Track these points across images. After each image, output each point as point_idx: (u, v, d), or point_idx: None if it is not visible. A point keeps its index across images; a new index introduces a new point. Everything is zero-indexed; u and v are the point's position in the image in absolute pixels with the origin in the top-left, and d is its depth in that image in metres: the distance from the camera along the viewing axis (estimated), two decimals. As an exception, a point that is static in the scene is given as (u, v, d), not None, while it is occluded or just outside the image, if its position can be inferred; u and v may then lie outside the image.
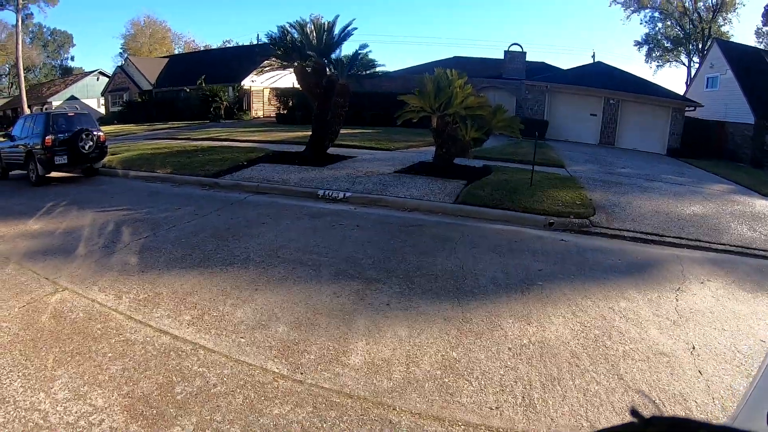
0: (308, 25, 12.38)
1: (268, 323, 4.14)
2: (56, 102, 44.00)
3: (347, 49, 29.03)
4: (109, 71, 49.77)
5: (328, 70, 12.51)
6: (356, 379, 3.37)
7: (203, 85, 32.81)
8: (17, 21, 40.64)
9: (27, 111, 41.77)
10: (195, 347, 3.89)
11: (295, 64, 12.25)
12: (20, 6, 40.30)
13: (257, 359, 3.63)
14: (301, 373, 3.45)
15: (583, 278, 5.30)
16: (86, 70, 57.38)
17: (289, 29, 12.34)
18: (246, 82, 33.61)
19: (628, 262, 6.01)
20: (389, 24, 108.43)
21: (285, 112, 28.91)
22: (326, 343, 3.83)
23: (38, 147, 11.42)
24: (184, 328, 4.17)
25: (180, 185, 11.12)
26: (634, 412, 0.97)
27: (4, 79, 67.44)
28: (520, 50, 26.63)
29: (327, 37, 12.19)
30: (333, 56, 12.63)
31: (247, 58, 34.68)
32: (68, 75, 61.84)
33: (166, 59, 46.13)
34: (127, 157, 14.26)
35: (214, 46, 62.84)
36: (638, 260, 6.20)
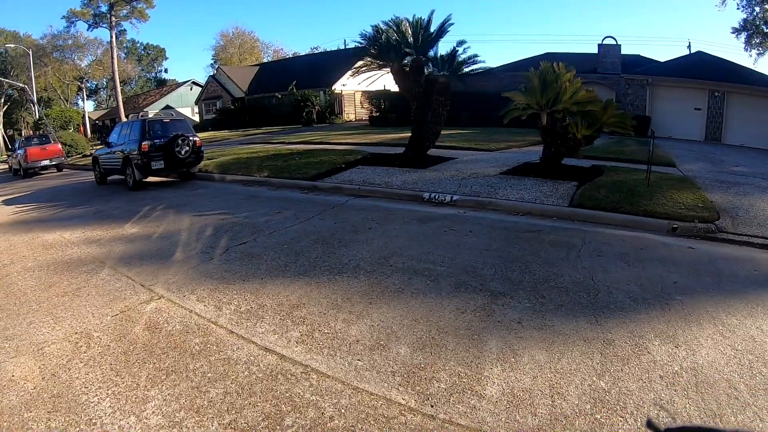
0: (404, 23, 12.43)
1: (387, 343, 3.96)
2: (152, 112, 47.95)
3: (443, 47, 29.89)
4: (202, 81, 55.24)
5: (425, 68, 12.68)
6: (496, 415, 3.11)
7: (294, 90, 35.65)
8: (111, 37, 47.05)
9: (124, 120, 46.63)
10: (306, 370, 3.67)
11: (392, 63, 12.36)
12: (113, 23, 46.15)
13: (379, 387, 3.42)
14: (432, 406, 3.21)
15: (722, 292, 5.01)
16: (179, 81, 64.34)
17: (383, 28, 12.64)
18: (337, 86, 36.27)
19: (764, 273, 5.65)
20: (474, 22, 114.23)
21: (378, 114, 30.30)
22: (456, 369, 3.60)
23: (135, 153, 12.52)
24: (292, 346, 4.01)
25: (278, 189, 11.40)
26: (649, 424, 1.19)
27: (102, 92, 77.37)
28: (615, 43, 26.78)
29: (423, 35, 12.27)
30: (430, 54, 12.72)
31: (337, 62, 37.65)
32: (162, 86, 69.77)
33: (257, 67, 50.38)
34: (223, 162, 14.94)
35: (302, 53, 67.82)
36: (774, 270, 5.72)
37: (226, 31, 72.46)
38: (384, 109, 29.61)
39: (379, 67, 12.99)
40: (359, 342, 3.97)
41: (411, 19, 12.43)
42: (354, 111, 37.52)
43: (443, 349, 3.82)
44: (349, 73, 36.48)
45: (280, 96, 37.48)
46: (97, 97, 78.28)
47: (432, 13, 12.13)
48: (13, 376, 3.89)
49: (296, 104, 34.25)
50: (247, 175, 12.88)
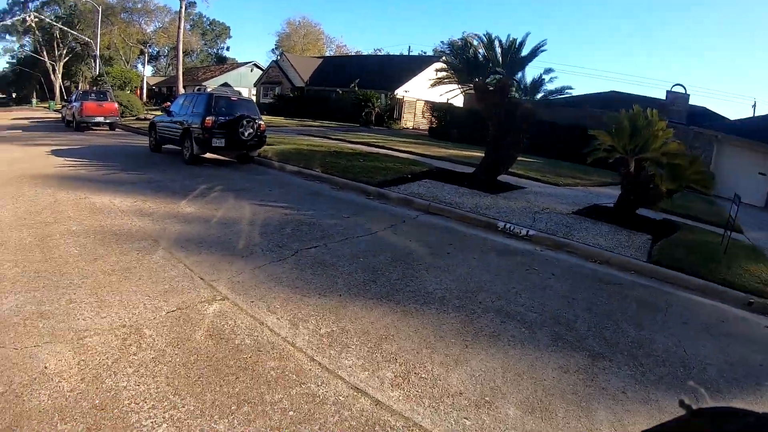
0: (496, 40, 12.17)
1: (493, 400, 3.61)
2: (210, 86, 49.19)
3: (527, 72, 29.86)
4: (263, 64, 56.34)
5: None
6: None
7: (356, 89, 36.20)
8: (181, 8, 47.92)
9: (182, 90, 48.10)
10: (408, 424, 3.17)
11: (477, 79, 12.07)
12: None
13: (495, 456, 3.01)
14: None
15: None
16: (239, 61, 66.00)
17: (472, 41, 12.47)
18: (399, 91, 36.80)
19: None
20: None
21: (438, 126, 30.08)
22: (571, 441, 3.28)
23: (197, 126, 12.34)
24: (387, 390, 3.51)
25: (341, 189, 10.98)
26: (681, 403, 1.11)
27: (162, 60, 79.94)
28: (684, 92, 26.39)
29: (514, 56, 11.92)
30: (516, 77, 12.44)
31: (402, 67, 38.73)
32: (222, 63, 71.93)
33: (320, 59, 51.31)
34: (284, 150, 14.56)
35: (365, 53, 69.12)
36: None
37: (293, 19, 75.01)
38: (445, 123, 29.53)
39: (462, 81, 12.67)
40: (462, 395, 3.58)
41: (504, 38, 12.13)
42: (413, 119, 37.70)
43: (553, 415, 3.53)
44: (414, 79, 37.09)
45: (341, 92, 37.88)
46: (156, 63, 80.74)
47: (527, 36, 11.81)
48: (46, 367, 3.36)
49: (357, 103, 34.58)
50: (309, 169, 12.43)
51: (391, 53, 62.28)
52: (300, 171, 12.43)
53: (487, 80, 12.22)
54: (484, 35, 12.02)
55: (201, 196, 8.75)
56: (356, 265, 5.94)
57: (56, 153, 14.09)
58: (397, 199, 10.25)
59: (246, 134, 12.44)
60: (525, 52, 11.89)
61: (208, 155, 13.05)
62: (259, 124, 12.77)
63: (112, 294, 4.54)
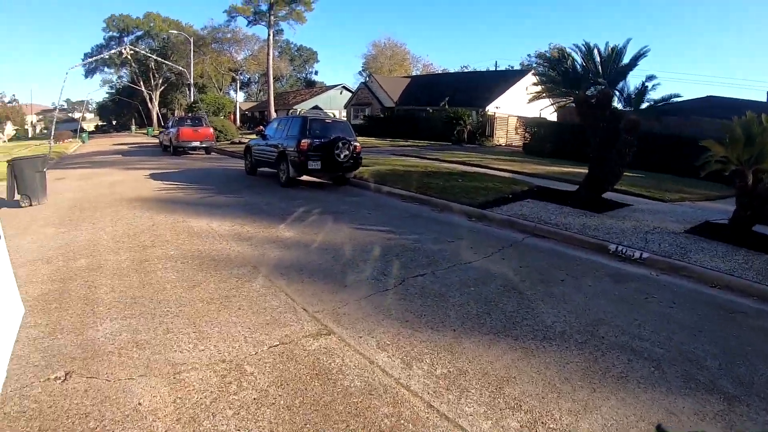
0: (594, 49, 11.42)
1: None
2: (300, 110, 50.94)
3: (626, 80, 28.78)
4: (351, 86, 58.05)
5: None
6: None
7: (446, 107, 36.10)
8: (269, 36, 51.19)
9: (274, 115, 50.48)
10: None
11: (577, 91, 11.40)
12: (272, 22, 49.89)
13: None
14: None
15: None
16: (327, 84, 68.16)
17: (569, 52, 11.65)
18: (490, 108, 36.37)
19: None
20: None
21: (532, 142, 29.20)
22: None
23: (292, 149, 12.50)
24: None
25: (441, 211, 10.58)
26: (659, 428, 1.49)
27: (253, 86, 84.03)
28: None
29: (614, 65, 11.21)
30: (618, 86, 11.59)
31: (490, 83, 38.40)
32: (312, 87, 74.44)
33: (408, 79, 51.82)
34: (379, 171, 14.37)
35: (451, 70, 68.79)
36: None
37: (378, 41, 76.04)
38: (539, 138, 28.62)
39: (560, 94, 12.03)
40: (599, 452, 3.18)
41: (603, 46, 11.43)
42: (505, 135, 36.93)
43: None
44: (505, 95, 36.67)
45: (431, 110, 37.89)
46: (248, 89, 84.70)
47: (627, 42, 11.12)
48: (140, 403, 3.19)
49: (448, 121, 34.34)
50: (406, 190, 12.13)
51: (478, 69, 61.96)
52: (397, 192, 12.17)
53: (587, 92, 11.66)
54: (582, 44, 11.44)
55: (299, 220, 8.65)
56: (468, 295, 5.47)
57: (154, 176, 14.63)
58: (500, 221, 9.75)
59: (342, 156, 12.41)
60: (626, 59, 11.30)
61: (303, 177, 13.15)
62: (355, 146, 12.73)
63: (211, 324, 4.33)
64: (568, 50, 11.78)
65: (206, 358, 3.76)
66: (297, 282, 5.49)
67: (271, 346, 3.97)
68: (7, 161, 11.07)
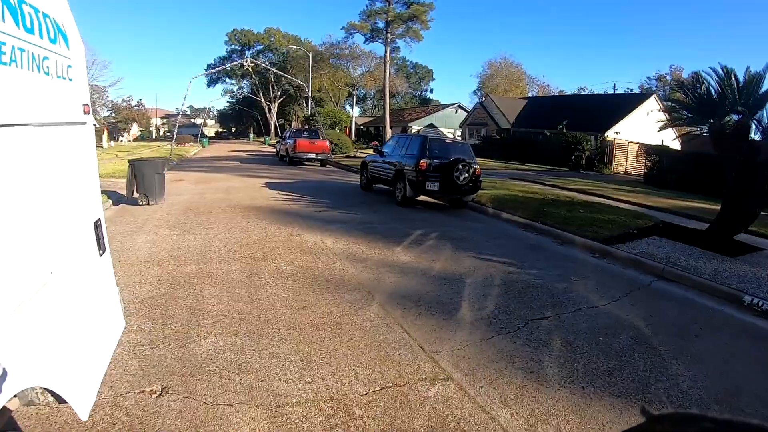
0: (732, 74, 10.24)
1: None
2: (416, 127, 51.31)
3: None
4: (467, 106, 58.36)
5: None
6: None
7: (564, 130, 34.78)
8: (386, 53, 51.82)
9: (389, 131, 51.05)
10: None
11: (712, 120, 10.44)
12: (389, 40, 50.37)
13: None
14: None
15: None
16: (442, 103, 68.46)
17: (704, 76, 10.65)
18: (609, 133, 34.72)
19: None
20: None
21: (654, 171, 27.21)
22: None
23: (411, 168, 12.39)
24: None
25: (563, 243, 9.96)
26: (643, 410, 1.13)
27: (369, 102, 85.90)
28: None
29: (752, 92, 10.10)
30: (756, 116, 10.41)
31: (610, 107, 36.77)
32: (426, 105, 75.36)
33: (525, 100, 50.56)
34: (498, 196, 13.84)
35: (567, 92, 67.87)
36: None
37: (494, 60, 74.94)
38: (662, 168, 26.67)
39: (693, 122, 11.01)
40: None
41: (743, 72, 10.30)
42: (624, 162, 34.77)
43: None
44: (625, 120, 34.81)
45: (548, 134, 36.68)
46: (363, 104, 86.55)
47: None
48: None
49: (565, 145, 33.20)
50: (525, 218, 11.55)
51: (595, 91, 60.18)
52: (516, 220, 11.64)
53: (725, 120, 10.71)
54: (719, 68, 10.40)
55: (416, 244, 8.37)
56: (596, 347, 4.90)
57: (270, 185, 14.96)
58: (625, 260, 8.98)
59: (461, 179, 12.12)
60: (765, 86, 10.11)
61: (419, 197, 12.99)
62: (475, 169, 12.41)
63: (320, 354, 4.09)
64: (702, 74, 10.86)
65: (312, 392, 3.51)
66: (413, 314, 5.16)
67: (383, 387, 3.64)
68: (129, 161, 11.68)
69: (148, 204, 11.47)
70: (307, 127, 30.31)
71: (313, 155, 24.24)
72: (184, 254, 7.03)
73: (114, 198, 12.56)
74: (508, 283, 6.59)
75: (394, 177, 13.08)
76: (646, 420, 1.15)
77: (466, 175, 12.15)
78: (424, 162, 11.97)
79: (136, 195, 11.56)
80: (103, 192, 13.68)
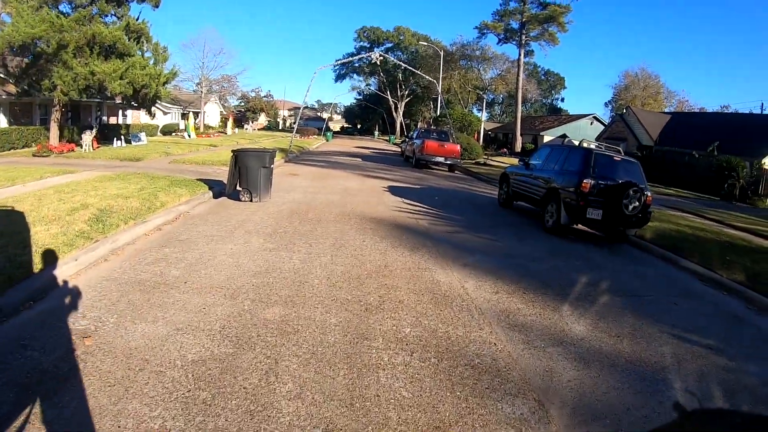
0: None
1: None
2: (547, 137, 48.66)
3: None
4: (603, 118, 53.69)
5: None
6: None
7: (715, 153, 30.15)
8: (519, 55, 48.93)
9: (519, 138, 48.23)
10: None
11: None
12: (523, 42, 47.47)
13: None
14: None
15: None
16: (571, 113, 64.14)
17: None
18: (766, 160, 29.95)
19: None
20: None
21: None
22: None
23: (568, 189, 9.70)
24: None
25: (760, 312, 6.88)
26: (676, 406, 1.44)
27: (497, 107, 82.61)
28: None
29: None
30: None
31: (765, 130, 31.84)
32: (556, 113, 71.36)
33: (668, 115, 44.84)
34: (662, 232, 10.86)
35: (708, 109, 61.20)
36: None
37: (630, 70, 68.92)
38: None
39: None
40: None
41: None
42: None
43: None
44: None
45: (697, 156, 31.69)
46: (491, 110, 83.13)
47: None
48: None
49: (717, 170, 28.22)
50: (708, 268, 8.56)
51: (739, 110, 53.34)
52: (694, 269, 8.65)
53: None
54: None
55: (586, 300, 5.93)
56: None
57: (392, 190, 12.99)
58: None
59: (630, 208, 9.30)
60: None
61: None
62: (647, 196, 9.54)
63: None
64: None
65: None
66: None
67: None
68: (232, 151, 10.23)
69: (251, 200, 9.97)
70: (435, 128, 28.01)
71: (441, 159, 22.03)
72: (271, 284, 5.22)
73: (217, 189, 11.16)
74: (728, 391, 3.98)
75: (545, 197, 10.38)
76: (678, 415, 1.34)
77: (637, 203, 9.33)
78: (587, 183, 9.30)
79: (238, 188, 10.10)
80: (208, 181, 12.42)
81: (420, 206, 10.91)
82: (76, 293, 4.65)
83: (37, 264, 5.05)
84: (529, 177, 11.36)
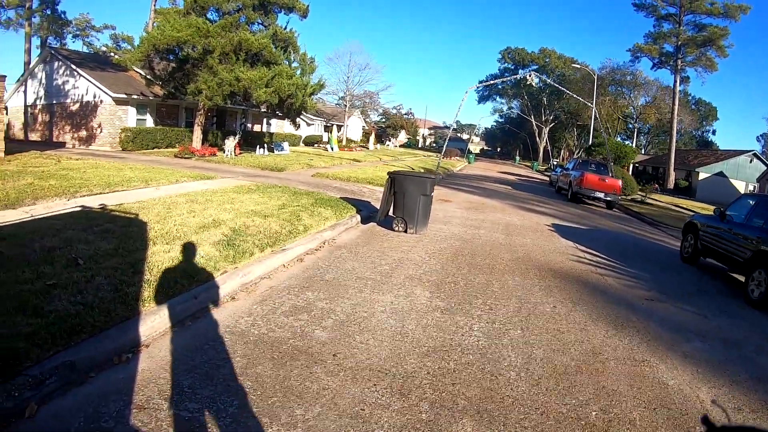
0: None
1: None
2: (703, 174, 43.99)
3: None
4: (759, 153, 47.71)
5: None
6: None
7: None
8: (675, 81, 44.66)
9: (672, 174, 43.58)
10: None
11: None
12: (678, 67, 43.09)
13: None
14: None
15: None
16: (721, 147, 59.75)
17: None
18: None
19: None
20: None
21: None
22: None
23: None
24: None
25: None
26: (705, 420, 1.23)
27: (642, 137, 74.35)
28: None
29: None
30: None
31: None
32: (707, 147, 64.89)
33: None
34: None
35: None
36: None
37: None
38: None
39: None
40: None
41: None
42: None
43: None
44: None
45: None
46: (636, 140, 76.28)
47: None
48: None
49: None
50: None
51: None
52: None
53: None
54: None
55: None
56: None
57: (560, 230, 11.30)
58: None
59: None
60: None
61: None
62: None
63: None
64: None
65: None
66: None
67: None
68: (388, 173, 9.03)
69: (405, 231, 8.76)
70: (594, 160, 25.35)
71: (601, 194, 19.67)
72: (453, 373, 3.74)
73: (365, 213, 10.01)
74: None
75: (750, 260, 7.78)
76: (707, 430, 1.08)
77: None
78: None
79: (391, 215, 8.97)
80: (354, 201, 11.21)
81: (597, 255, 8.96)
82: (179, 355, 3.49)
83: (146, 300, 4.03)
84: (726, 231, 8.90)
